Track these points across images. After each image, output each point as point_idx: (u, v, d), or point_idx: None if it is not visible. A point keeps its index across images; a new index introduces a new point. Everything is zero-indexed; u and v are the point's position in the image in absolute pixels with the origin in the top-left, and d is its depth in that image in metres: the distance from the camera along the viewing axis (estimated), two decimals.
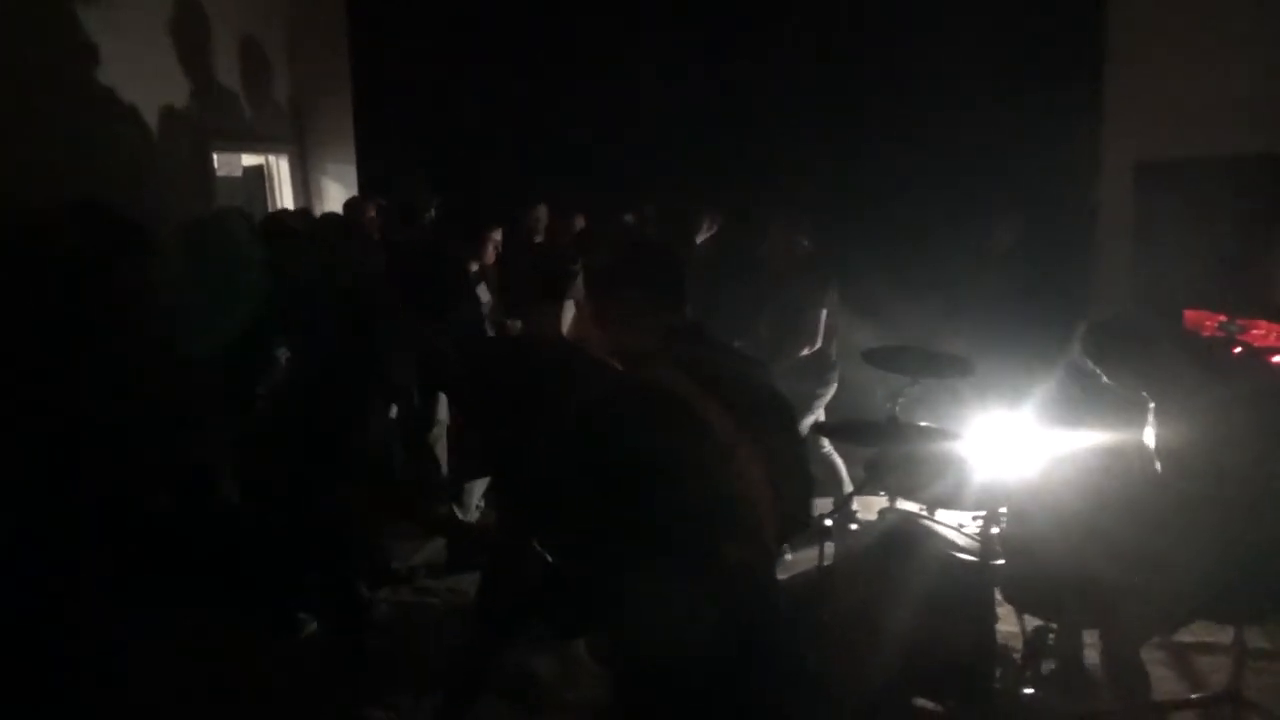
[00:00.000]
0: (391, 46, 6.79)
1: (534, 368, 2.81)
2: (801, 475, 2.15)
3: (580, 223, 5.88)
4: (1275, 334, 3.96)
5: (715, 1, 6.27)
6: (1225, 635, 3.41)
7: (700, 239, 5.56)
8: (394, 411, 4.61)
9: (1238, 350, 4.09)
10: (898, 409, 3.54)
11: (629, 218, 6.14)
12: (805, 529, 2.29)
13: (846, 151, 5.94)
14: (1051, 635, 3.37)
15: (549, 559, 2.58)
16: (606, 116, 6.35)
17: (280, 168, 7.02)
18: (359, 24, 6.90)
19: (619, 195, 6.08)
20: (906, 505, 3.81)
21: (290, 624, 3.85)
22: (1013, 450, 3.45)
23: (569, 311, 3.01)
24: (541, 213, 5.85)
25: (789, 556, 4.50)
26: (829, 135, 5.98)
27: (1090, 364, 3.18)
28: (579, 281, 3.03)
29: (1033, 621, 3.36)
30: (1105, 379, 3.14)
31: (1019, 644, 3.40)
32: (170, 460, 3.02)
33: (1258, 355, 4.02)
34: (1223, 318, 4.25)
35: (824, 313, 4.66)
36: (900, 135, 5.74)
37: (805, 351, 4.63)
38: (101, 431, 2.57)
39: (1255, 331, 4.06)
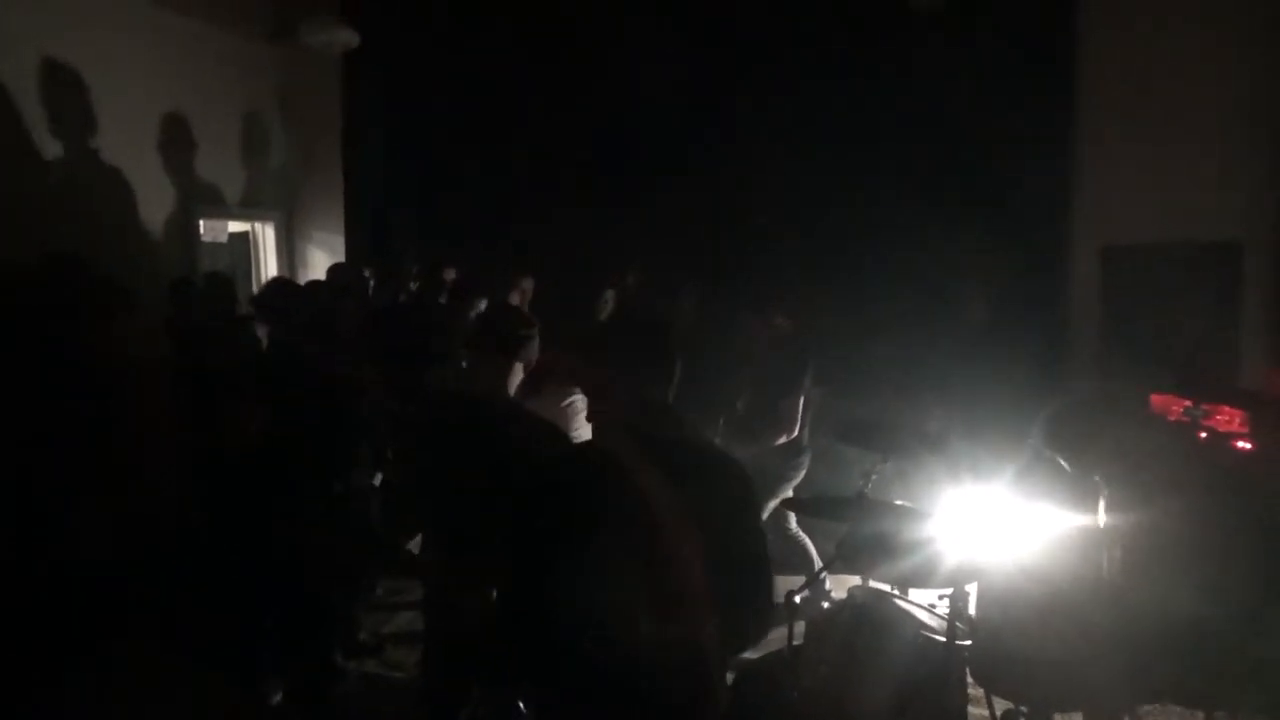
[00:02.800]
0: (385, 116, 6.95)
1: (474, 424, 2.85)
2: (760, 563, 2.10)
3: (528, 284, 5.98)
4: (1238, 420, 4.03)
5: (692, 74, 6.44)
6: (1193, 719, 3.41)
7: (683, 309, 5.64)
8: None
9: (1203, 435, 4.16)
10: (869, 486, 3.57)
11: (610, 291, 6.23)
12: (751, 641, 2.19)
13: (824, 235, 6.08)
14: (1023, 719, 3.36)
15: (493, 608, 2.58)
16: (594, 188, 6.49)
17: (266, 234, 7.09)
18: (353, 93, 7.06)
19: (605, 265, 6.18)
20: (878, 584, 3.81)
21: (257, 691, 3.78)
22: (984, 529, 3.48)
23: (517, 374, 3.05)
24: (528, 284, 5.92)
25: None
26: (808, 220, 6.11)
27: (1048, 450, 3.23)
28: (533, 345, 3.08)
29: (1003, 704, 3.34)
30: (1063, 464, 3.18)
31: None
32: (138, 517, 3.00)
33: (1222, 441, 4.09)
34: (1188, 403, 4.32)
35: (801, 400, 4.65)
36: (876, 216, 5.88)
37: (783, 439, 4.61)
38: (62, 489, 2.56)
39: (1219, 417, 4.13)
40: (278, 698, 3.81)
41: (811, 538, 4.91)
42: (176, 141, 5.86)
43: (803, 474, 4.78)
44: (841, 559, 3.58)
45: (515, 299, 5.92)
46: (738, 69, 6.27)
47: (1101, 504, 3.07)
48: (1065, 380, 5.52)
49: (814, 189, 6.07)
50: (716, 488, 2.06)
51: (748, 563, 2.06)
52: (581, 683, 1.93)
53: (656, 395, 2.16)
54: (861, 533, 3.16)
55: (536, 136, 6.65)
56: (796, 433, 4.66)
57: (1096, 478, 3.08)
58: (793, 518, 4.82)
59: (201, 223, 6.25)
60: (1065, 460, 3.15)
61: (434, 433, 2.98)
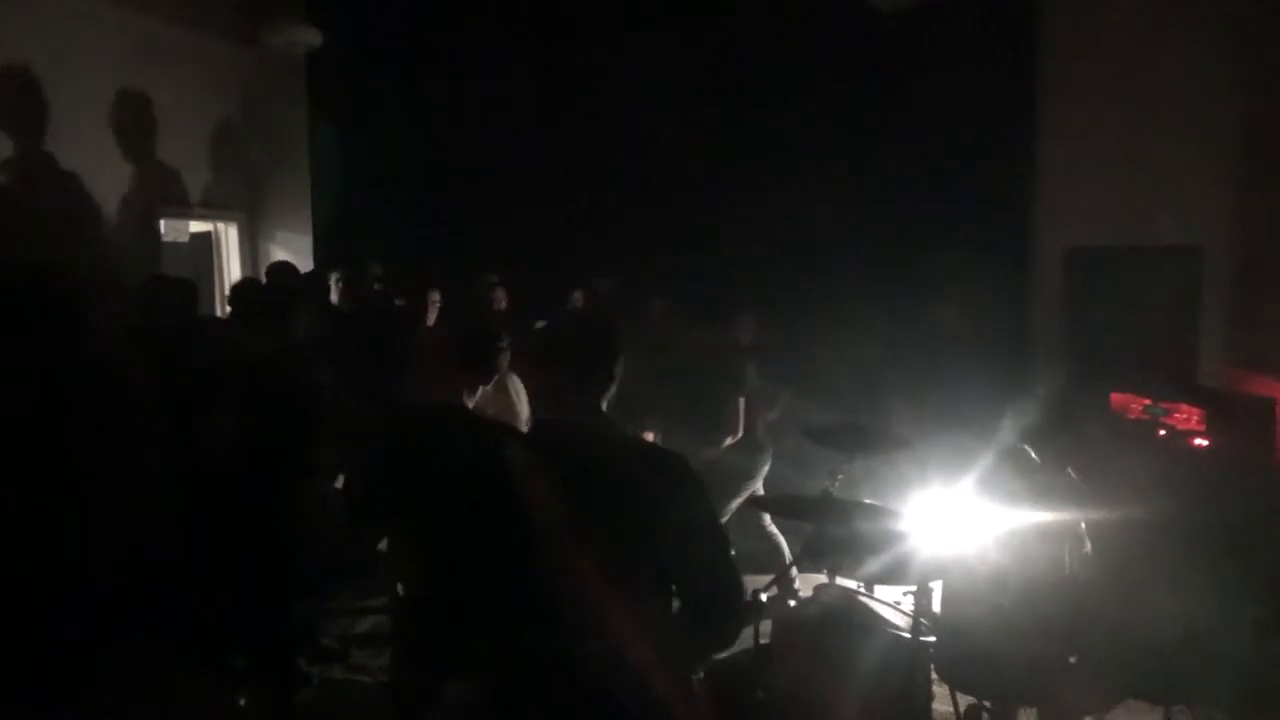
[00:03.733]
0: (352, 117, 6.88)
1: (442, 431, 2.86)
2: (722, 563, 2.07)
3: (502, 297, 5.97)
4: (1196, 418, 4.10)
5: (661, 80, 6.46)
6: (1155, 714, 3.44)
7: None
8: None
9: (1162, 433, 4.22)
10: (835, 485, 3.58)
11: (578, 294, 6.23)
12: (727, 642, 2.13)
13: (791, 240, 6.15)
14: (986, 714, 3.38)
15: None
16: (561, 192, 6.48)
17: (229, 235, 7.00)
18: (319, 92, 6.99)
19: (572, 270, 6.17)
20: (845, 582, 3.82)
21: (220, 696, 3.72)
22: (950, 528, 3.50)
23: (482, 384, 3.05)
24: (497, 291, 5.92)
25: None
26: (776, 225, 6.17)
27: (1021, 443, 3.27)
28: (503, 358, 3.07)
29: (967, 700, 3.37)
30: (1034, 457, 3.22)
31: None
32: (105, 522, 2.95)
33: (1181, 438, 4.16)
34: (1149, 401, 4.38)
35: (742, 401, 4.76)
36: (844, 220, 5.93)
37: (729, 441, 4.75)
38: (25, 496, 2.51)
39: (1178, 415, 4.20)
40: (241, 703, 3.76)
41: (784, 536, 4.94)
42: (136, 140, 5.77)
43: (765, 470, 4.83)
44: (808, 557, 3.60)
45: (497, 302, 5.91)
46: (704, 75, 6.28)
47: (1074, 499, 3.10)
48: (1031, 380, 5.58)
49: (781, 194, 6.11)
50: (671, 488, 2.06)
51: (711, 563, 2.05)
52: (544, 682, 1.93)
53: (593, 398, 2.18)
54: (827, 532, 3.17)
55: (505, 137, 6.63)
56: (741, 432, 4.77)
57: (1070, 471, 3.12)
58: (768, 516, 4.86)
59: (162, 222, 6.15)
60: (1039, 455, 3.19)
61: (400, 440, 2.96)
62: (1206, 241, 5.18)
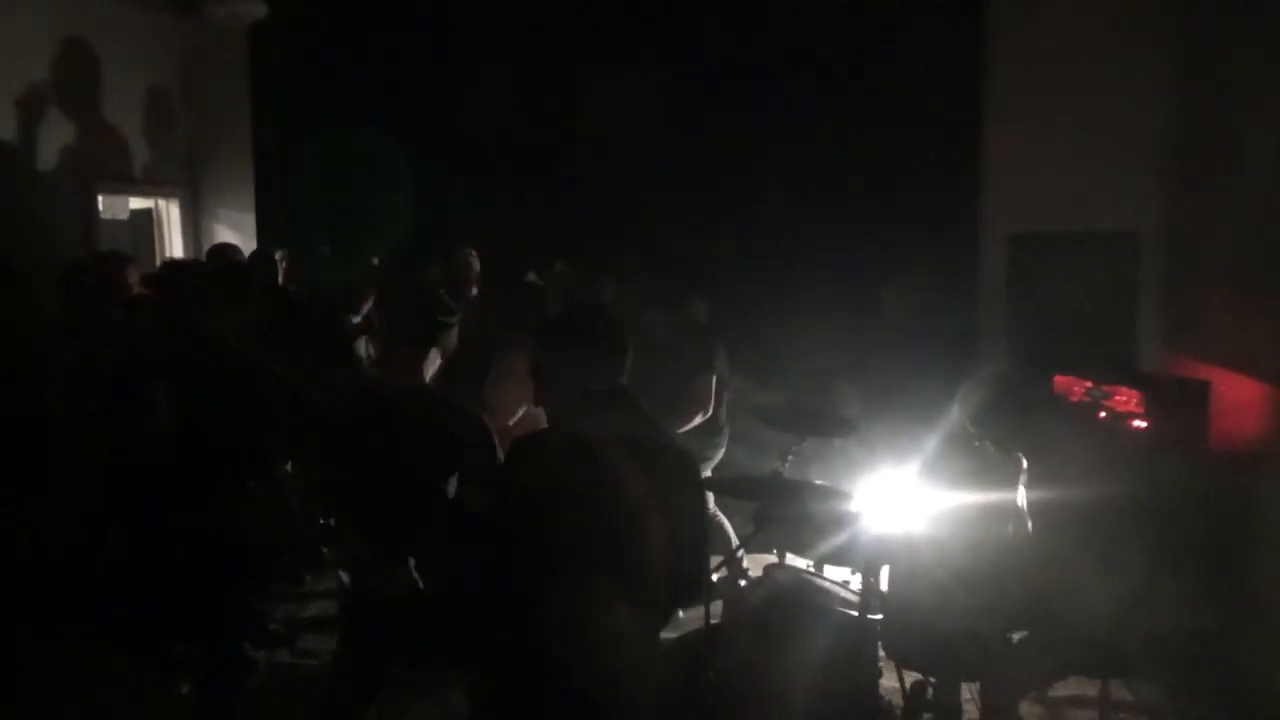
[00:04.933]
0: (296, 90, 6.72)
1: (394, 412, 2.82)
2: (702, 544, 2.20)
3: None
4: (1135, 400, 4.21)
5: (606, 61, 6.42)
6: (1093, 688, 3.55)
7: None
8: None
9: (1102, 415, 4.33)
10: (785, 466, 3.62)
11: (531, 275, 6.19)
12: (698, 598, 2.31)
13: (739, 226, 6.16)
14: (931, 689, 3.45)
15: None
16: (510, 167, 6.42)
17: (170, 212, 6.83)
18: (262, 65, 6.82)
19: (522, 248, 6.13)
20: (795, 561, 3.87)
21: (164, 682, 3.66)
22: (897, 508, 3.56)
23: (434, 361, 3.00)
24: (471, 259, 5.80)
25: (681, 615, 4.52)
26: (724, 211, 6.18)
27: (968, 424, 3.32)
28: (452, 333, 3.03)
29: (913, 676, 3.43)
30: (983, 438, 3.28)
31: (899, 699, 3.47)
32: (48, 503, 2.88)
33: (1120, 420, 4.27)
34: (1089, 384, 4.49)
35: (714, 378, 4.76)
36: (793, 207, 5.98)
37: (699, 419, 4.73)
38: None
39: (1118, 397, 4.31)
40: (185, 689, 3.70)
41: (731, 519, 4.97)
42: (73, 113, 5.60)
43: (721, 453, 4.86)
44: (758, 535, 3.63)
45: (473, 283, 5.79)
46: (652, 61, 6.24)
47: (1022, 480, 3.17)
48: (978, 364, 5.69)
49: (730, 181, 6.13)
50: (675, 473, 2.10)
51: (695, 544, 2.13)
52: (513, 665, 1.92)
53: (610, 381, 2.20)
54: (777, 510, 3.20)
55: (455, 115, 6.53)
56: (711, 410, 4.76)
57: (1019, 454, 3.18)
58: (710, 498, 4.88)
59: (101, 198, 5.98)
60: (989, 438, 3.24)
61: (351, 420, 2.92)
62: (1144, 228, 5.31)
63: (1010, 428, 3.26)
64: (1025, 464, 3.20)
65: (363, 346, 5.09)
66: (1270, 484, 4.02)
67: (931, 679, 3.42)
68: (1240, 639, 4.19)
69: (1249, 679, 3.97)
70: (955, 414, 3.41)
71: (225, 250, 5.64)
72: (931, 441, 3.67)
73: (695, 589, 2.22)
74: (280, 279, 5.65)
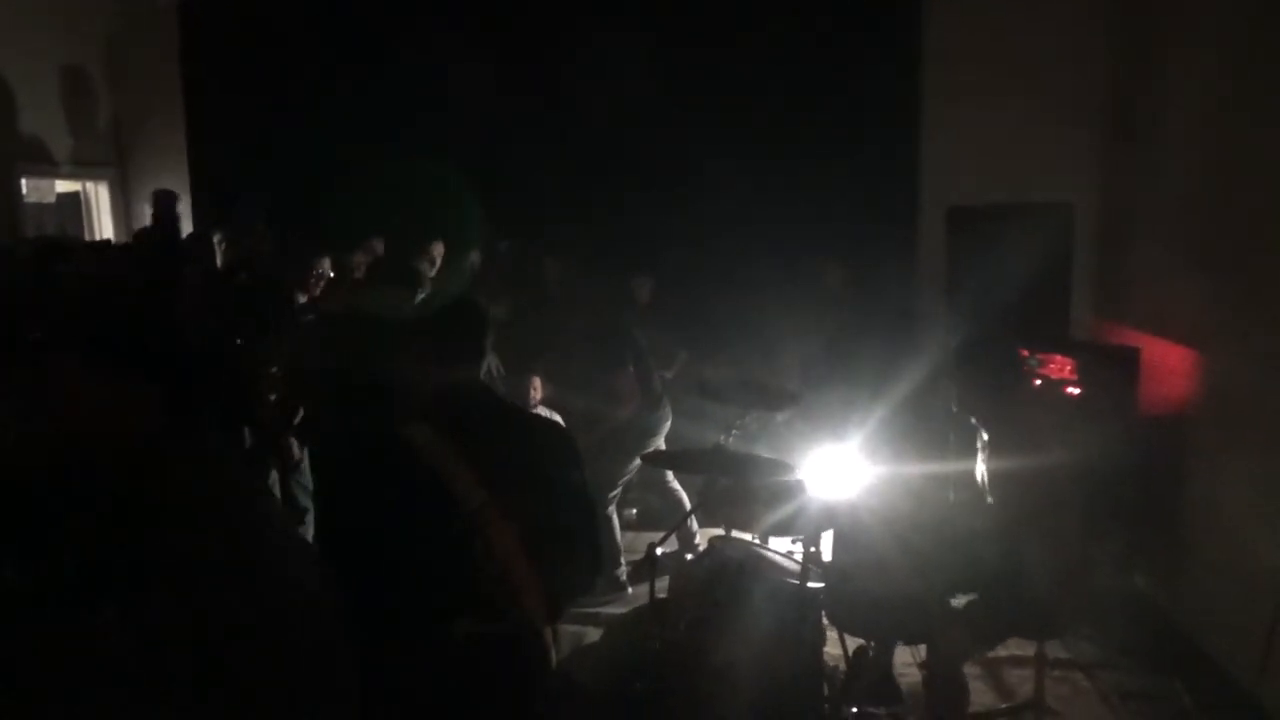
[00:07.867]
0: (226, 64, 6.53)
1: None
2: (588, 512, 2.23)
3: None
4: (1069, 367, 4.31)
5: (546, 40, 6.37)
6: (1031, 648, 3.64)
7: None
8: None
9: (1038, 383, 4.43)
10: (729, 440, 3.65)
11: (474, 255, 6.14)
12: (583, 594, 2.42)
13: (680, 202, 6.16)
14: (871, 653, 3.51)
15: None
16: (449, 145, 6.31)
17: (99, 194, 6.63)
18: (190, 39, 6.62)
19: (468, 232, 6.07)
20: (741, 535, 3.90)
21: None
22: (840, 478, 3.60)
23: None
24: (376, 245, 5.72)
25: (630, 590, 4.57)
26: (666, 187, 6.17)
27: (913, 394, 3.35)
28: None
29: (855, 642, 3.49)
30: (954, 407, 3.31)
31: (844, 665, 3.53)
32: None
33: (1055, 387, 4.37)
34: (1025, 352, 4.58)
35: (630, 370, 4.78)
36: (740, 180, 5.98)
37: (623, 413, 4.75)
38: None
39: (1052, 365, 4.41)
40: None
41: (685, 493, 5.01)
42: None
43: (667, 426, 4.88)
44: (703, 509, 3.67)
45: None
46: (594, 39, 6.20)
47: (981, 451, 3.22)
48: (920, 334, 5.76)
49: (672, 156, 6.11)
50: (530, 469, 2.14)
51: (577, 512, 2.17)
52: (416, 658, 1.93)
53: (468, 373, 2.25)
54: (720, 484, 3.23)
55: (394, 90, 6.41)
56: (633, 405, 4.78)
57: (974, 420, 3.23)
58: (670, 473, 4.91)
59: (24, 182, 5.79)
60: (930, 405, 3.28)
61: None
62: (1078, 199, 5.42)
63: (951, 396, 3.31)
64: (985, 437, 3.24)
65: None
66: (1196, 448, 4.15)
67: (871, 644, 3.49)
68: (1169, 597, 4.34)
69: (1177, 636, 4.12)
70: (898, 384, 3.44)
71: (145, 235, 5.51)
72: (877, 410, 3.71)
73: (573, 593, 2.34)
74: (219, 261, 5.52)
